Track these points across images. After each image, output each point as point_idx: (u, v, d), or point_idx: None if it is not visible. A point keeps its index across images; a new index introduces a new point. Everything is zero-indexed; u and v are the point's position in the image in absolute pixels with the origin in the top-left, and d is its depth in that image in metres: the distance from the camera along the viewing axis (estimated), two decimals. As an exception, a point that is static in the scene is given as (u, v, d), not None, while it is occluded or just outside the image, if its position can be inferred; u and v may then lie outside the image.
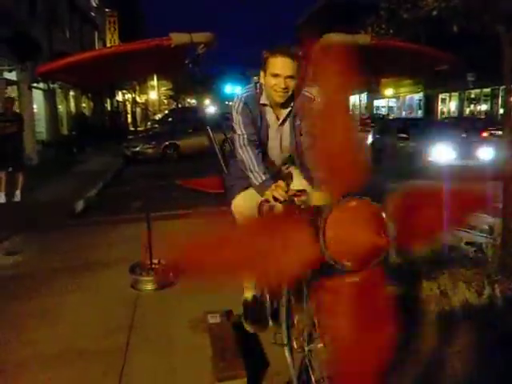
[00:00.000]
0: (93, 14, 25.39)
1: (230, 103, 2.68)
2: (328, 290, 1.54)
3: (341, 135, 1.53)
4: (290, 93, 2.37)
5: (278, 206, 2.12)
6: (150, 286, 3.96)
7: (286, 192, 2.11)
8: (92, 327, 3.31)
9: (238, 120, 2.45)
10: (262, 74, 2.41)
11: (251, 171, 2.35)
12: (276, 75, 2.30)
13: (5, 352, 3.02)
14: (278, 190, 2.12)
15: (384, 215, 1.46)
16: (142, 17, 44.05)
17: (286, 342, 2.45)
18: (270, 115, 2.53)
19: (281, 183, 2.15)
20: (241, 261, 1.55)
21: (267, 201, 2.22)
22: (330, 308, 1.54)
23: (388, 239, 1.40)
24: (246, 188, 2.56)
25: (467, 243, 3.98)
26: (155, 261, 4.18)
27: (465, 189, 1.69)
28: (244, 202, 2.58)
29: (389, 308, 1.51)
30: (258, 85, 2.51)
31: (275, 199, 2.13)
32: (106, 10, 28.75)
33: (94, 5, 25.77)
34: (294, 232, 1.54)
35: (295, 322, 2.34)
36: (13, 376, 2.77)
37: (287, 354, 2.45)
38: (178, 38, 2.52)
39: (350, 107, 1.82)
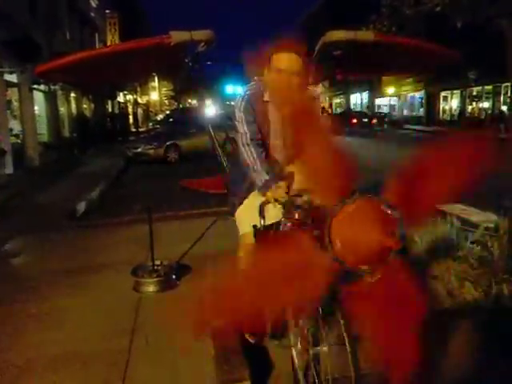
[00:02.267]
0: (93, 15, 25.39)
1: (232, 103, 2.66)
2: (353, 294, 1.51)
3: (313, 139, 1.50)
4: (293, 90, 2.32)
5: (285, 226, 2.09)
6: (152, 288, 3.92)
7: (287, 193, 2.08)
8: (94, 330, 3.28)
9: (241, 118, 2.41)
10: (265, 70, 2.37)
11: (254, 171, 2.32)
12: (280, 71, 2.26)
13: (7, 355, 2.99)
14: (278, 192, 2.09)
15: (393, 216, 1.42)
16: (143, 18, 43.99)
17: (293, 344, 2.41)
18: (273, 113, 2.49)
19: (281, 184, 2.13)
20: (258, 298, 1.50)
21: (268, 202, 2.19)
22: (359, 311, 1.50)
23: (397, 241, 1.36)
24: (248, 194, 2.55)
25: (473, 242, 3.92)
26: (157, 262, 4.15)
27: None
28: (245, 214, 2.58)
29: (416, 301, 1.47)
30: (261, 82, 2.47)
31: (276, 200, 2.10)
32: (107, 11, 28.76)
33: (94, 6, 25.77)
34: (302, 255, 1.49)
35: (299, 323, 2.30)
36: (16, 379, 2.74)
37: (295, 355, 2.41)
38: (177, 36, 2.49)
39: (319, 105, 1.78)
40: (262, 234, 2.31)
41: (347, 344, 1.74)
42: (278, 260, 1.47)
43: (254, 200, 2.47)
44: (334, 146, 1.54)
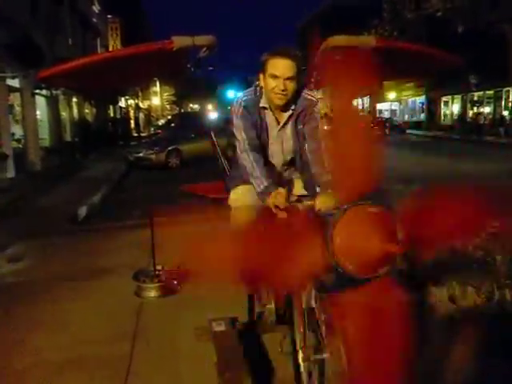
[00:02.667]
0: (95, 20, 25.50)
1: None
2: (337, 303, 1.50)
3: (356, 138, 1.49)
4: (289, 95, 2.32)
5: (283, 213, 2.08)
6: (153, 293, 3.91)
7: (288, 199, 2.07)
8: (95, 335, 3.27)
9: (238, 125, 2.40)
10: (261, 76, 2.36)
11: (253, 177, 2.30)
12: (275, 77, 2.26)
13: (8, 360, 2.98)
14: (278, 198, 2.08)
15: (395, 221, 1.41)
16: (144, 21, 44.09)
17: (299, 347, 2.40)
18: (270, 119, 2.48)
19: (281, 190, 2.12)
20: (246, 262, 1.51)
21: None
22: (341, 321, 1.49)
23: (399, 246, 1.35)
24: (244, 182, 2.52)
25: (475, 247, 3.91)
26: (159, 267, 4.14)
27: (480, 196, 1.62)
28: (242, 196, 2.56)
29: (401, 319, 1.45)
30: (257, 88, 2.46)
31: (276, 207, 2.09)
32: (108, 16, 28.89)
33: (96, 11, 25.88)
34: (300, 235, 1.50)
35: (301, 330, 2.29)
36: (17, 384, 2.74)
37: (300, 361, 2.40)
38: (179, 41, 2.49)
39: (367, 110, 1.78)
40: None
41: (342, 352, 1.73)
42: (276, 228, 1.49)
43: (250, 186, 2.44)
44: (370, 150, 1.54)
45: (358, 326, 1.43)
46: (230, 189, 2.71)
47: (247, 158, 2.33)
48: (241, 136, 2.38)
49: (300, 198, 2.03)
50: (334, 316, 1.75)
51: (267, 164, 2.47)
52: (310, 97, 2.46)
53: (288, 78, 2.25)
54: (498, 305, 3.19)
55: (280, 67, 2.25)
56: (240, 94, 2.54)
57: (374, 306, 1.42)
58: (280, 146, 2.56)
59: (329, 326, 1.94)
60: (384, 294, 1.44)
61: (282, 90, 2.27)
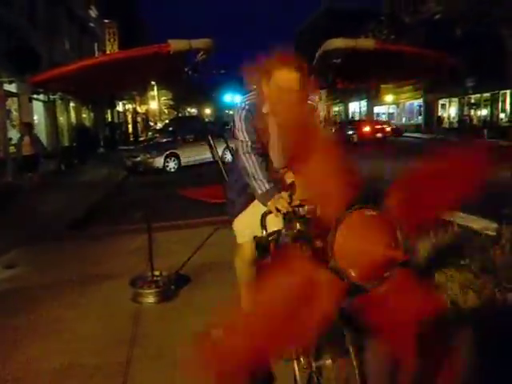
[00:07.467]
0: (92, 24, 25.51)
1: (230, 112, 2.62)
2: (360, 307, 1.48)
3: (312, 151, 1.47)
4: (292, 105, 2.29)
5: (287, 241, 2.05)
6: (151, 299, 3.87)
7: (290, 203, 2.05)
8: (92, 342, 3.23)
9: (240, 127, 2.39)
10: (264, 82, 2.33)
11: (254, 179, 2.29)
12: (281, 88, 2.22)
13: (4, 368, 2.94)
14: (280, 202, 2.06)
15: (396, 225, 1.39)
16: (142, 27, 44.12)
17: (294, 357, 2.37)
18: (272, 123, 2.46)
19: (284, 195, 2.10)
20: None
21: (270, 212, 2.15)
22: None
23: (401, 250, 1.32)
24: (247, 204, 2.52)
25: (474, 250, 3.89)
26: (157, 273, 4.10)
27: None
28: (245, 223, 2.56)
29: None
30: (260, 93, 2.44)
31: (278, 210, 2.07)
32: (106, 20, 28.90)
33: (94, 16, 25.89)
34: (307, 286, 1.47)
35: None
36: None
37: (297, 369, 2.37)
38: (176, 44, 2.46)
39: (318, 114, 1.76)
40: (263, 248, 2.26)
41: (353, 357, 1.70)
42: (285, 294, 1.45)
43: (253, 209, 2.44)
44: (333, 158, 1.51)
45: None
46: (231, 215, 2.69)
47: (249, 160, 2.32)
48: (243, 138, 2.37)
49: (301, 203, 2.00)
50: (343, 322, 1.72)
51: (268, 167, 2.45)
52: (309, 102, 2.44)
53: (293, 91, 2.20)
54: (498, 308, 3.16)
55: (287, 80, 2.20)
56: (243, 98, 2.52)
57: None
58: (281, 150, 2.54)
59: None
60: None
61: (286, 102, 2.23)
